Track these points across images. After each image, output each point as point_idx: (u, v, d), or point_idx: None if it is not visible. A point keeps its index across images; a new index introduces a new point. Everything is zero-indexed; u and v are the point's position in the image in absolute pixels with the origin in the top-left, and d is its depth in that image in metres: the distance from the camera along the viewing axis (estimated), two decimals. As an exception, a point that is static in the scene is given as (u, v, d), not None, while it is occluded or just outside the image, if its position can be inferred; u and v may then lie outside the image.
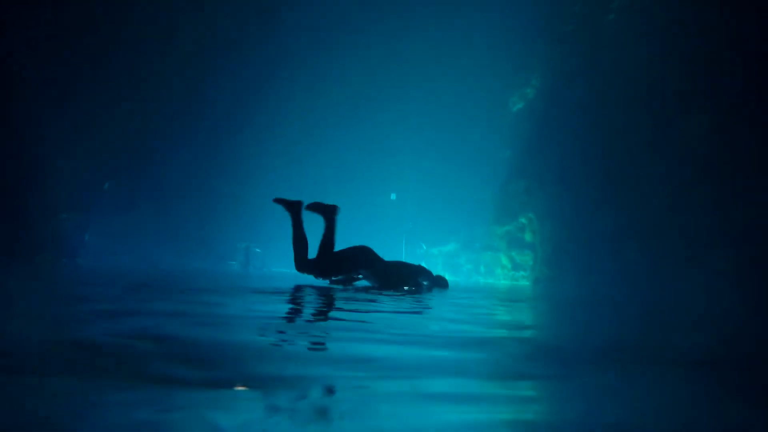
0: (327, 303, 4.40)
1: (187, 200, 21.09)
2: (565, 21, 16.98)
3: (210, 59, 20.70)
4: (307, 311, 3.84)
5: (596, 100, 14.51)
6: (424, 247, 23.62)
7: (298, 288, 6.15)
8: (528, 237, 18.89)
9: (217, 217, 22.02)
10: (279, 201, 7.16)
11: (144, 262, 18.34)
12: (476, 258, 22.26)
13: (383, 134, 24.18)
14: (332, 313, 3.72)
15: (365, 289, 6.43)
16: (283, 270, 23.50)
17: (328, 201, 7.23)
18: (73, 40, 15.74)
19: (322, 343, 2.30)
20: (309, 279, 7.23)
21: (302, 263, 6.92)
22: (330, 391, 1.45)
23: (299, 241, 6.95)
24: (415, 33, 23.01)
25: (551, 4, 17.76)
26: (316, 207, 7.07)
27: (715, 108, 10.61)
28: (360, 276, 7.05)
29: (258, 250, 22.97)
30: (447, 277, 8.93)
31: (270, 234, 23.40)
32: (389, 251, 18.62)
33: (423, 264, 8.95)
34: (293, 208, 7.07)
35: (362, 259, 6.85)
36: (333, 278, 7.00)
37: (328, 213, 7.01)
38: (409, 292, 7.10)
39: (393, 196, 24.71)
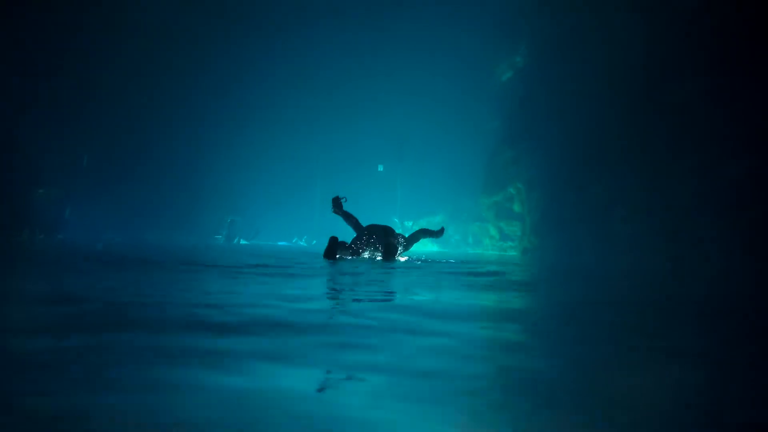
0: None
1: (173, 174, 20.70)
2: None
3: (190, 35, 20.06)
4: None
5: (587, 68, 14.27)
6: (410, 225, 23.56)
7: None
8: (516, 207, 18.81)
9: (204, 191, 21.73)
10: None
11: (129, 238, 18.09)
12: (464, 229, 22.23)
13: (369, 104, 23.82)
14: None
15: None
16: (276, 243, 23.40)
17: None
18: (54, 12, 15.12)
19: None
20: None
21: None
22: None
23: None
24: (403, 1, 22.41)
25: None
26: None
27: (709, 76, 10.47)
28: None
29: (235, 219, 22.70)
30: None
31: (257, 207, 23.20)
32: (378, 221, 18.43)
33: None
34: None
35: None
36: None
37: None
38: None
39: (380, 168, 24.52)
